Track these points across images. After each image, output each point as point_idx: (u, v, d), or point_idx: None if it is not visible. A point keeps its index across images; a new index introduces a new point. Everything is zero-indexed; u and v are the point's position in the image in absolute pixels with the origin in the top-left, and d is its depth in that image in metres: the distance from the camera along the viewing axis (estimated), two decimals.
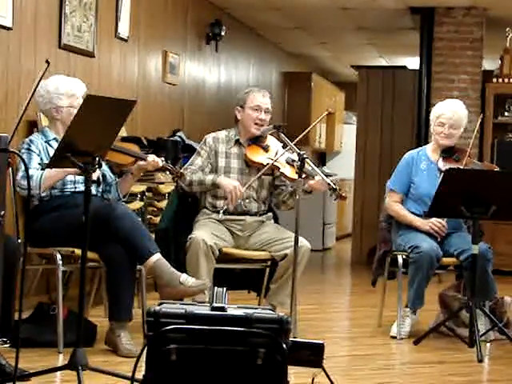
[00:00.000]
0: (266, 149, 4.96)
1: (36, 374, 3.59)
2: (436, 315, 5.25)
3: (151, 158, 4.46)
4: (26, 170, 3.71)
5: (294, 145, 4.78)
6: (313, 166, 4.87)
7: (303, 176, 4.69)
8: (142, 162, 4.46)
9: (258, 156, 4.93)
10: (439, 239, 5.07)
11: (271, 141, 5.01)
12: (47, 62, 3.57)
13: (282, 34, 10.27)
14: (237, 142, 5.00)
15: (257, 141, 4.98)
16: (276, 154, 4.91)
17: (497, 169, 5.44)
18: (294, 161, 4.76)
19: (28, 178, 3.40)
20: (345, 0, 8.11)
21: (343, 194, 4.72)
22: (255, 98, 4.95)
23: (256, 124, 4.94)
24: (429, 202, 4.95)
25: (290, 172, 4.82)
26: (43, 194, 4.26)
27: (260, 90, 5.03)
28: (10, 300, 3.59)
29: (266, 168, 4.84)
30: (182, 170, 4.90)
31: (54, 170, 4.18)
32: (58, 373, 3.70)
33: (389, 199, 5.27)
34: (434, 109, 5.36)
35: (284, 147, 4.92)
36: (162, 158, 4.57)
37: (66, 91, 4.37)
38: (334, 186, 4.69)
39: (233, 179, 4.90)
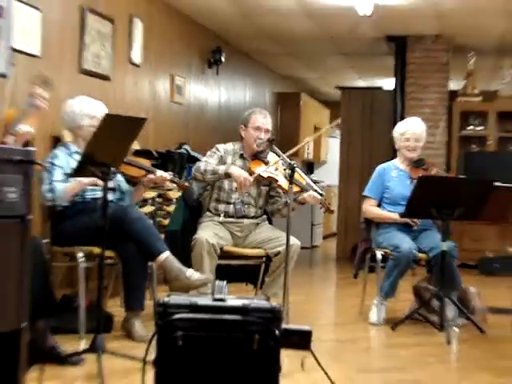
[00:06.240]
0: (266, 163, 4.95)
1: (68, 356, 3.62)
2: (411, 304, 5.26)
3: (160, 173, 4.46)
4: (52, 181, 3.72)
5: (289, 154, 4.79)
6: (302, 174, 4.88)
7: (298, 190, 4.72)
8: (151, 176, 4.46)
9: (259, 168, 4.91)
10: (416, 227, 5.08)
11: (271, 156, 4.99)
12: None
13: (274, 59, 10.29)
14: (241, 155, 5.00)
15: (259, 156, 4.98)
16: (276, 168, 4.90)
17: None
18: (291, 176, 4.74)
19: (51, 189, 3.41)
20: (329, 29, 8.13)
21: (331, 208, 4.87)
22: (257, 120, 4.94)
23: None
24: (402, 202, 4.98)
25: (286, 185, 4.81)
26: (66, 203, 4.26)
27: (261, 112, 4.99)
28: (47, 286, 3.59)
29: (267, 174, 4.84)
30: (198, 163, 4.90)
31: (73, 183, 4.20)
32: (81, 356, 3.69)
33: (365, 205, 5.27)
34: (397, 128, 5.38)
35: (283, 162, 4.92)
36: (170, 173, 4.57)
37: (88, 113, 4.37)
38: (325, 203, 4.77)
39: (235, 185, 4.89)
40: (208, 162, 4.88)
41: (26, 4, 4.87)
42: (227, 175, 4.80)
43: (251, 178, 4.77)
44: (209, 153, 5.02)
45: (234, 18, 7.72)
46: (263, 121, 4.95)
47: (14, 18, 4.71)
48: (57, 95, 5.15)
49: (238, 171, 4.79)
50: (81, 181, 4.25)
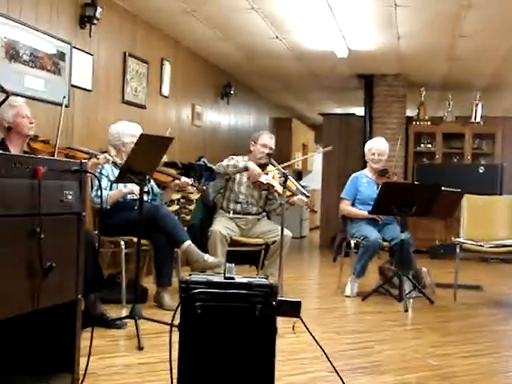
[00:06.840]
0: (266, 172, 4.95)
1: (113, 320, 3.63)
2: (377, 280, 5.24)
3: (183, 179, 4.46)
4: (101, 189, 3.71)
5: (284, 166, 4.78)
6: (293, 180, 4.87)
7: (289, 194, 4.70)
8: (177, 181, 4.45)
9: (261, 176, 4.90)
10: (380, 222, 5.07)
11: (270, 167, 4.99)
12: None
13: (272, 92, 10.29)
14: None
15: (262, 166, 4.97)
16: (273, 176, 4.91)
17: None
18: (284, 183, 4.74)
19: (101, 195, 3.42)
20: (314, 69, 8.12)
21: (314, 209, 4.89)
22: (264, 139, 4.96)
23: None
24: (370, 202, 4.97)
25: (281, 189, 4.80)
26: (109, 207, 4.25)
27: (269, 133, 5.05)
28: (97, 267, 3.59)
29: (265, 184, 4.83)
30: (220, 162, 4.94)
31: (114, 191, 4.19)
32: (123, 320, 3.68)
33: (342, 204, 5.27)
34: (366, 145, 5.39)
35: (278, 172, 4.91)
36: (192, 179, 4.57)
37: (130, 133, 4.37)
38: (310, 205, 4.76)
39: (242, 189, 4.90)
40: (228, 162, 4.91)
41: (82, 51, 4.88)
42: (246, 168, 4.83)
43: (260, 173, 4.81)
44: (226, 158, 5.03)
45: (240, 60, 7.72)
46: (269, 140, 4.97)
47: (72, 61, 4.72)
48: (105, 119, 5.17)
49: (253, 165, 4.85)
50: (121, 190, 4.25)
